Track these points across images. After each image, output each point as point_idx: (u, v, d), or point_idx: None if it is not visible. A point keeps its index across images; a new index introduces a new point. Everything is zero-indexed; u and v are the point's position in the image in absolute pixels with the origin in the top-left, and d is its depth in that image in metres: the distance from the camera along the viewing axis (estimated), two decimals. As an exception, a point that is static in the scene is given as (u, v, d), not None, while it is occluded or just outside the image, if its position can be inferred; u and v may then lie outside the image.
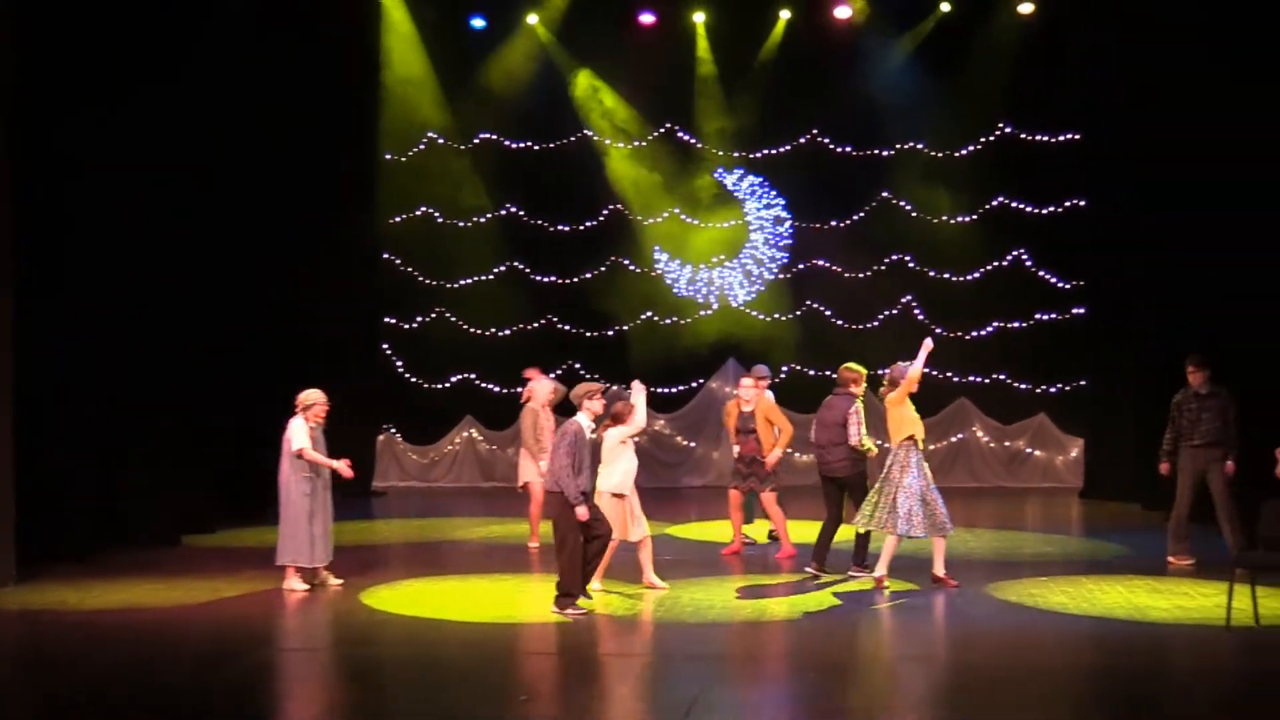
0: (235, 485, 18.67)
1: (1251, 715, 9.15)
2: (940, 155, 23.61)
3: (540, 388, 16.42)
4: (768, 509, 15.50)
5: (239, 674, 10.30)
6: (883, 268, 23.80)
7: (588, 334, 24.09)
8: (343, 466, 13.67)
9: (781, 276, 24.06)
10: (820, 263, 23.97)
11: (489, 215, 24.32)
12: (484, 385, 24.22)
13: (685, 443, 23.54)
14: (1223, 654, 10.74)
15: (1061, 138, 23.09)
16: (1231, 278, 16.65)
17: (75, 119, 15.34)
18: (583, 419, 12.45)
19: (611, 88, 24.01)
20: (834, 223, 23.96)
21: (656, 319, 24.09)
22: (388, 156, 23.72)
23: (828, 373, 22.70)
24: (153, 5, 16.76)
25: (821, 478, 14.46)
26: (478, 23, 23.73)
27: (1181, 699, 9.49)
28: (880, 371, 14.23)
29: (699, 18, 23.66)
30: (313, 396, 13.71)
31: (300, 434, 13.52)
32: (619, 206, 24.18)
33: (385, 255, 23.94)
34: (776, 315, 23.94)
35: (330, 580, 13.74)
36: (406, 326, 24.31)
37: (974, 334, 23.44)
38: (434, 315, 24.31)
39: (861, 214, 23.87)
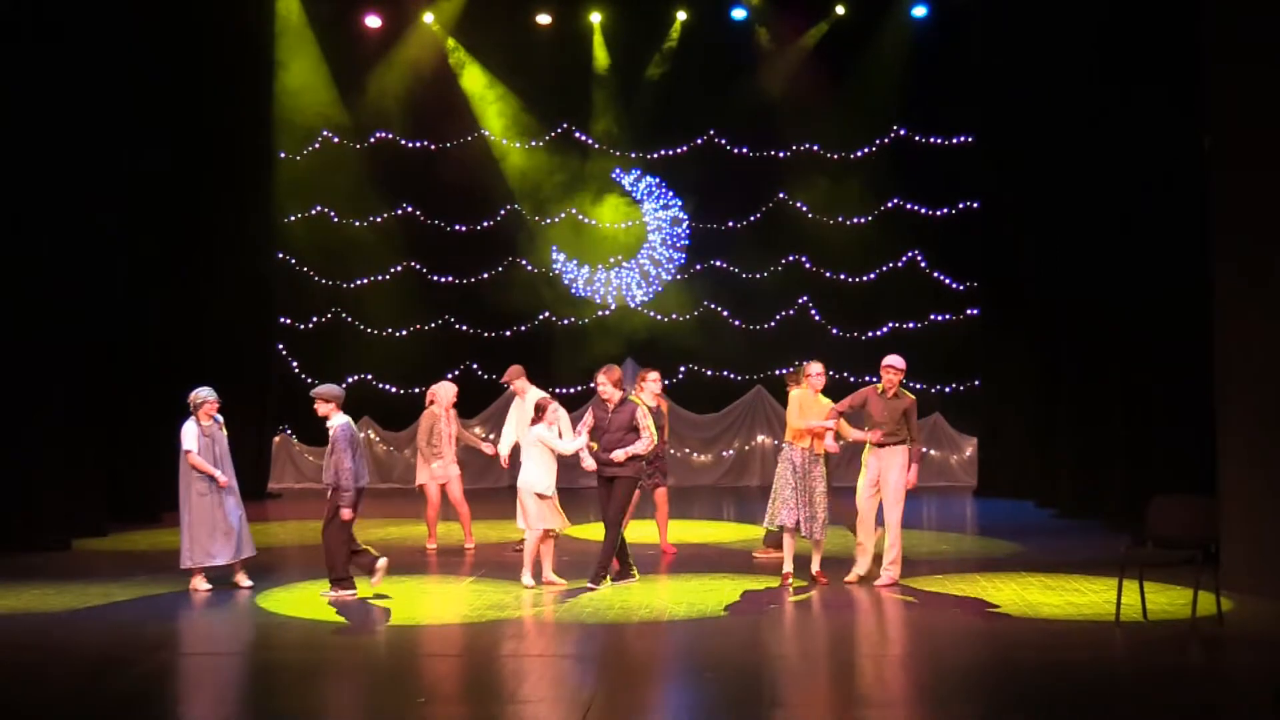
0: (127, 488, 18.42)
1: (1141, 709, 9.29)
2: (836, 157, 23.81)
3: (444, 390, 16.42)
4: (660, 505, 15.54)
5: (132, 680, 10.15)
6: (779, 268, 23.96)
7: (485, 335, 24.02)
8: (220, 476, 13.52)
9: (679, 277, 24.15)
10: (717, 263, 24.09)
11: (385, 215, 24.20)
12: (381, 386, 24.07)
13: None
14: (1113, 649, 10.90)
15: (955, 140, 23.37)
16: (1121, 278, 16.92)
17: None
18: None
19: (508, 87, 23.96)
20: (731, 223, 24.10)
21: (554, 319, 24.09)
22: (282, 155, 23.49)
23: (725, 373, 22.93)
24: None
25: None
26: (373, 21, 23.58)
27: (1073, 694, 9.61)
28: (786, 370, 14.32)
29: (595, 18, 23.68)
30: (201, 395, 13.56)
31: (189, 436, 13.41)
32: (516, 207, 24.15)
33: (280, 255, 23.72)
34: (674, 315, 24.02)
35: (241, 580, 13.60)
36: (302, 327, 24.11)
37: (869, 334, 23.64)
38: (330, 315, 24.14)
39: (758, 215, 24.02)
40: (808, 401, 13.53)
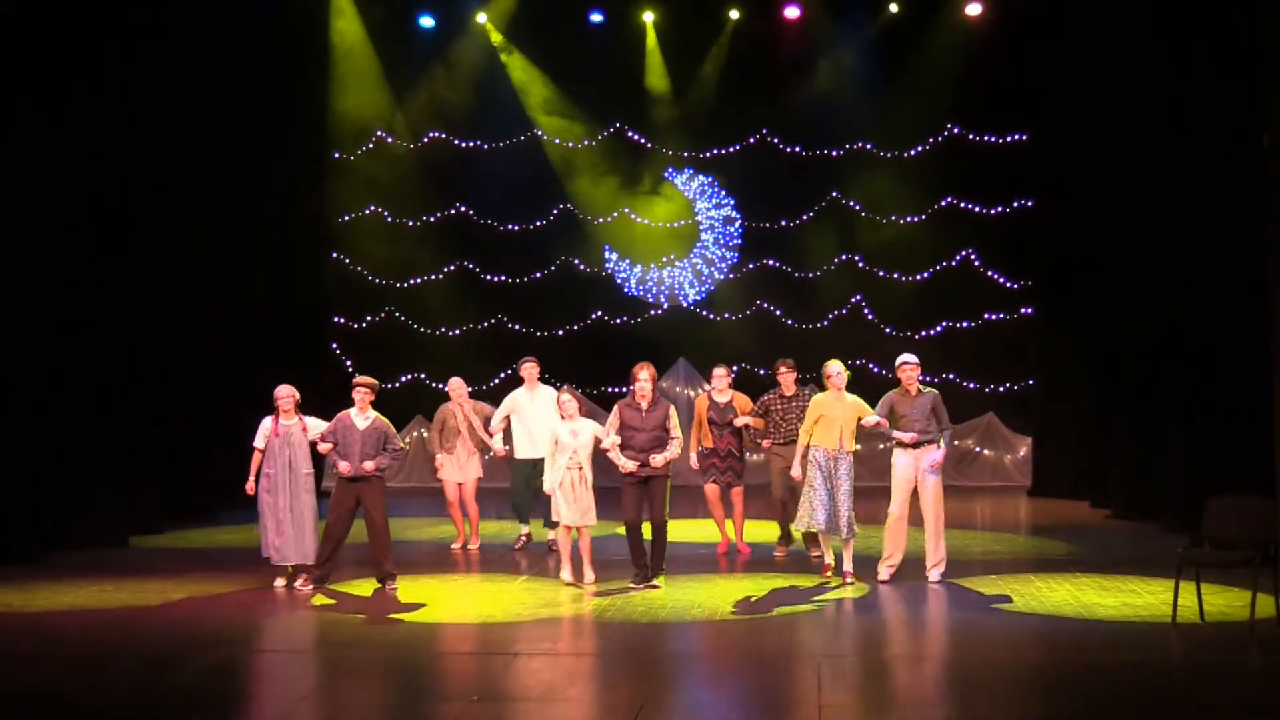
0: (183, 486, 18.56)
1: (1197, 712, 9.21)
2: (889, 155, 23.74)
3: (455, 384, 16.66)
4: (735, 504, 15.49)
5: (188, 676, 10.22)
6: (832, 267, 23.91)
7: (538, 334, 24.07)
8: (250, 482, 13.68)
9: (731, 276, 24.14)
10: (770, 262, 24.06)
11: (438, 215, 24.32)
12: (434, 385, 24.12)
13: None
14: (1169, 651, 10.81)
15: (1009, 139, 23.24)
16: (1176, 277, 16.78)
17: (27, 117, 15.33)
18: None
19: (561, 87, 24.01)
20: (784, 222, 24.06)
21: (606, 319, 24.12)
22: (336, 155, 23.66)
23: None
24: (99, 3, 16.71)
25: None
26: (427, 21, 23.70)
27: (1130, 696, 9.54)
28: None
29: (648, 17, 23.68)
30: (277, 392, 13.72)
31: (259, 430, 13.56)
32: (568, 206, 24.20)
33: (334, 254, 23.88)
34: (727, 315, 24.01)
35: (285, 583, 13.67)
36: (356, 326, 24.26)
37: (923, 334, 23.55)
38: (384, 315, 24.27)
39: (811, 214, 23.97)
40: (829, 402, 13.57)
